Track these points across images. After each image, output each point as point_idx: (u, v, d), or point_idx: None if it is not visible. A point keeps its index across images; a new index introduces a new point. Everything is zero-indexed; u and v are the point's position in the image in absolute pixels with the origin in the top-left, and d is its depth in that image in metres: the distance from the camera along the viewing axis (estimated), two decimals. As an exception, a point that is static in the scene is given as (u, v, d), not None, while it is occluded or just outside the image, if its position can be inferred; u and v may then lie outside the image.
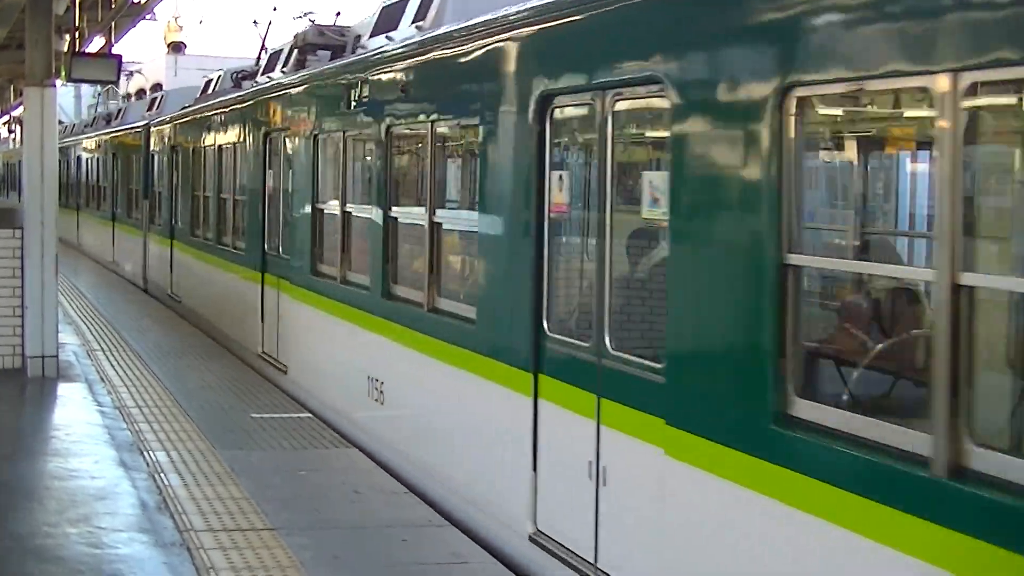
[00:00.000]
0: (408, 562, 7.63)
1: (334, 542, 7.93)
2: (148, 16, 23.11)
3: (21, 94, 24.15)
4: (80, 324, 18.19)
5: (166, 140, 21.96)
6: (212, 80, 21.20)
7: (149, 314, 20.05)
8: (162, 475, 9.40)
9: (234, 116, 16.55)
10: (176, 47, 44.01)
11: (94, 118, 37.50)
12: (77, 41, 15.75)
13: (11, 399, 12.52)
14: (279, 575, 7.21)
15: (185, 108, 21.38)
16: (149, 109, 27.96)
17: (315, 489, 9.22)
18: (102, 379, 13.56)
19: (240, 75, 18.71)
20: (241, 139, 16.00)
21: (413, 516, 8.57)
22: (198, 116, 19.32)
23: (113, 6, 16.84)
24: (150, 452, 10.15)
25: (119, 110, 33.64)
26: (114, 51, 17.51)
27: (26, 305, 13.40)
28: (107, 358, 15.12)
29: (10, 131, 51.55)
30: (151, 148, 23.64)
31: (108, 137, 30.03)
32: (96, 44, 18.54)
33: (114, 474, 9.45)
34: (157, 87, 34.54)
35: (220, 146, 17.37)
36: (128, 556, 7.54)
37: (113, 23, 17.44)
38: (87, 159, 33.70)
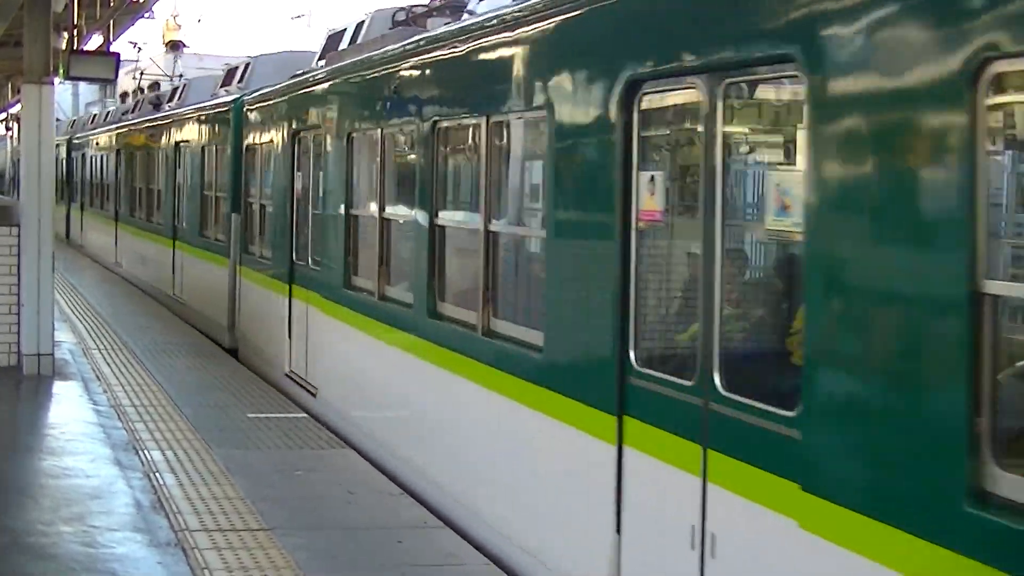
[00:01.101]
0: (403, 563, 7.61)
1: (329, 543, 7.91)
2: (146, 14, 23.11)
3: (19, 91, 24.14)
4: (76, 322, 18.17)
5: (280, 123, 14.10)
6: (344, 30, 13.84)
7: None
8: (157, 474, 9.37)
9: (490, 64, 8.41)
10: (174, 46, 43.93)
11: (137, 102, 30.07)
12: (75, 39, 15.73)
13: (6, 397, 12.50)
14: (274, 575, 7.20)
15: (305, 72, 13.80)
16: (226, 84, 20.06)
17: (311, 489, 9.21)
18: (98, 377, 13.53)
19: (412, 12, 12.16)
20: (537, 109, 7.62)
21: (408, 517, 8.55)
22: (372, 73, 10.89)
23: (112, 4, 16.84)
24: (145, 451, 10.13)
25: (174, 90, 25.79)
26: (112, 49, 17.50)
27: (22, 302, 13.39)
28: (103, 356, 15.09)
29: (8, 128, 51.51)
30: (244, 138, 16.01)
31: (163, 125, 22.38)
32: (95, 42, 18.54)
33: (109, 473, 9.43)
34: (155, 85, 34.14)
35: (440, 129, 9.21)
36: (123, 555, 7.51)
37: (112, 21, 17.44)
38: (131, 154, 25.79)
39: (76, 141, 35.76)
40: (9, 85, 33.54)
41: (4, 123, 51.12)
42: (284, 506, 8.67)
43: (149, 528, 8.02)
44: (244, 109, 16.18)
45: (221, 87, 20.31)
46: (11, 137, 49.45)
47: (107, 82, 19.71)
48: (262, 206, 15.34)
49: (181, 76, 31.29)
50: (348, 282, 11.34)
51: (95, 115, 37.74)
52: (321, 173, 12.42)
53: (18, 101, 29.93)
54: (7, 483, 9.06)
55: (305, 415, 11.86)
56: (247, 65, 19.33)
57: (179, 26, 44.86)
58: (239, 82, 19.06)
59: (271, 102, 14.78)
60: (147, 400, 12.37)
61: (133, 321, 18.65)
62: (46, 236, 13.45)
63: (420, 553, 7.79)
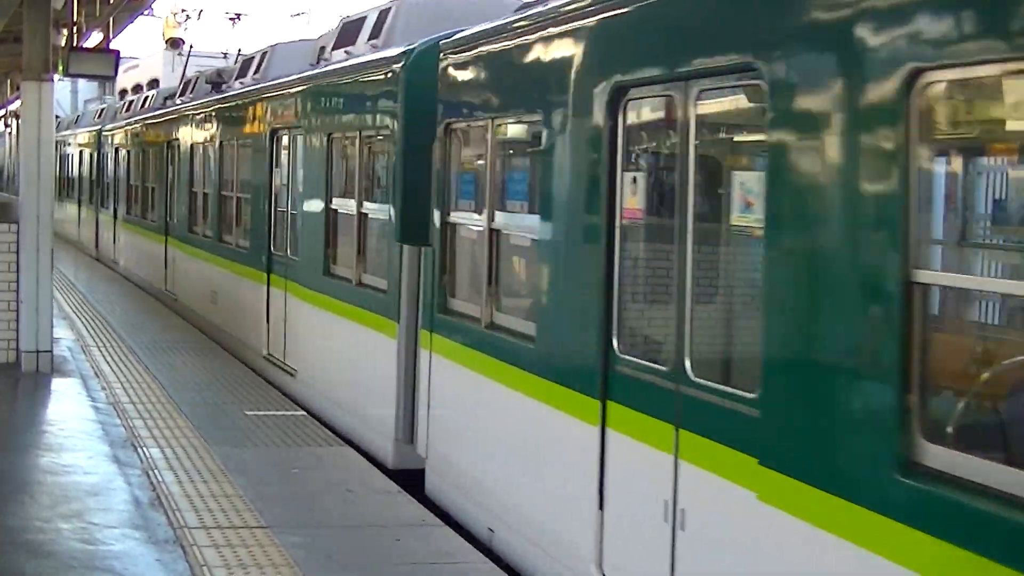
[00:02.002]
0: (401, 561, 7.62)
1: (327, 540, 7.92)
2: (146, 12, 23.08)
3: (18, 88, 24.12)
4: (75, 319, 18.17)
5: (564, 81, 7.31)
6: None
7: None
8: (156, 471, 9.38)
9: None
10: (174, 43, 43.89)
11: (187, 82, 22.96)
12: (75, 36, 15.75)
13: (5, 394, 12.49)
14: (272, 573, 7.20)
15: None
16: (344, 43, 13.26)
17: (309, 487, 9.22)
18: (96, 375, 13.53)
19: None
20: None
21: (406, 515, 8.56)
22: None
23: (111, 1, 16.85)
24: (144, 448, 10.13)
25: (246, 62, 18.25)
26: (112, 46, 17.50)
27: (21, 300, 13.39)
28: (102, 354, 15.09)
29: (6, 125, 51.48)
30: (447, 114, 9.27)
31: (243, 106, 15.91)
32: (94, 39, 18.55)
33: (107, 470, 9.43)
34: (154, 83, 33.95)
35: None
36: (121, 552, 7.52)
37: (111, 18, 17.47)
38: (190, 149, 19.05)
39: (106, 133, 28.62)
40: (8, 82, 33.54)
41: (3, 120, 51.13)
42: (282, 504, 8.67)
43: (148, 525, 8.02)
44: (445, 65, 9.32)
45: (334, 48, 13.51)
46: (10, 134, 49.42)
47: (107, 79, 19.48)
48: (495, 233, 8.51)
49: (241, 51, 24.35)
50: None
51: (131, 102, 30.11)
52: (749, 183, 5.72)
53: (17, 98, 29.89)
54: (5, 480, 9.06)
55: (304, 413, 11.83)
56: (384, 12, 12.38)
57: (179, 23, 44.82)
58: (372, 38, 12.30)
59: (541, 35, 7.70)
60: (146, 397, 12.38)
61: (132, 319, 18.64)
62: (45, 233, 13.45)
63: (418, 551, 7.80)
